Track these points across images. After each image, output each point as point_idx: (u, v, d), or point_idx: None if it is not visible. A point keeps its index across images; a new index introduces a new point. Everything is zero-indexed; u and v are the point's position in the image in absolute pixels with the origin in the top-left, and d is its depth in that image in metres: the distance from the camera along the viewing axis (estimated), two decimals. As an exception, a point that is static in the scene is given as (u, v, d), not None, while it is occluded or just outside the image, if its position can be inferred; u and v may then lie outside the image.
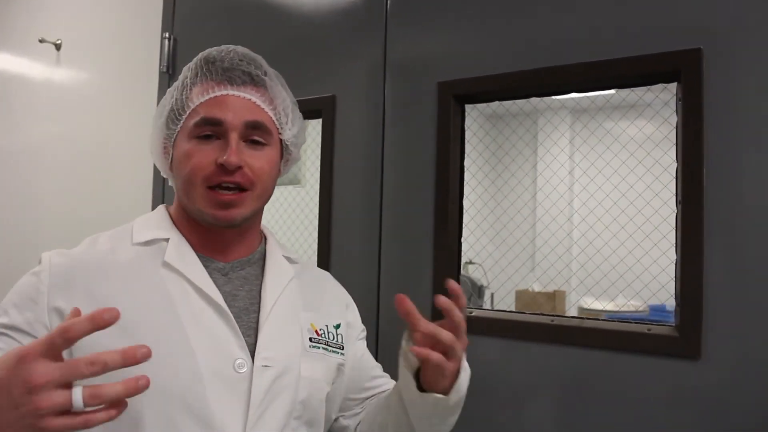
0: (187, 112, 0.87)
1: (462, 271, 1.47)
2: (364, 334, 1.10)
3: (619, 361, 1.19)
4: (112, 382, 0.61)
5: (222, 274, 0.91)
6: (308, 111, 1.63)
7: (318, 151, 1.62)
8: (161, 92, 1.83)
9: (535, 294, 2.96)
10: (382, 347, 1.46)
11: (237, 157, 0.84)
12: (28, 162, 2.42)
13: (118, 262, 0.86)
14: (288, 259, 1.01)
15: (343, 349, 0.99)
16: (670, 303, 1.21)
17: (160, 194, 1.80)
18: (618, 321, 1.25)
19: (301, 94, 1.62)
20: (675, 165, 1.19)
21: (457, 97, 1.40)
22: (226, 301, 0.86)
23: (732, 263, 1.10)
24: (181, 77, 0.91)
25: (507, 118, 1.67)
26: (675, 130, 1.19)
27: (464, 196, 1.43)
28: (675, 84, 1.19)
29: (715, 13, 1.13)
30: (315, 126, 1.69)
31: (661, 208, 1.41)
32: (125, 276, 0.85)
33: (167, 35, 1.85)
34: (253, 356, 0.85)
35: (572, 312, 2.83)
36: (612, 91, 1.40)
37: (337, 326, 1.00)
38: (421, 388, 0.85)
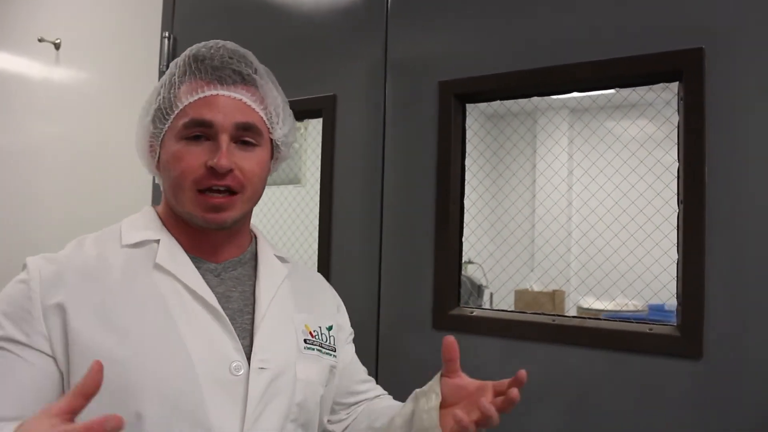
0: (175, 112, 0.84)
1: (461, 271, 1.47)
2: (352, 336, 1.08)
3: (620, 361, 1.19)
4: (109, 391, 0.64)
5: (214, 275, 0.89)
6: (309, 110, 1.63)
7: (318, 151, 1.61)
8: (161, 92, 1.83)
9: (536, 294, 2.96)
10: (383, 346, 1.46)
11: (228, 161, 0.82)
12: (27, 162, 2.42)
13: (108, 265, 0.84)
14: (279, 258, 0.99)
15: (335, 351, 0.97)
16: (669, 303, 1.21)
17: (160, 194, 1.79)
18: (619, 321, 1.25)
19: (301, 93, 1.63)
20: (676, 164, 1.18)
21: (458, 96, 1.40)
22: (219, 303, 0.85)
23: (733, 263, 1.10)
24: (167, 74, 0.88)
25: (508, 118, 1.67)
26: (676, 130, 1.19)
27: (465, 196, 1.43)
28: (676, 83, 1.19)
29: (717, 13, 1.13)
30: (315, 125, 1.69)
31: (662, 208, 1.41)
32: (117, 279, 0.83)
33: (167, 35, 1.84)
34: (248, 358, 0.84)
35: (571, 312, 2.83)
36: (612, 91, 1.40)
37: (330, 328, 0.99)
38: None
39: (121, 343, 0.77)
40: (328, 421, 1.02)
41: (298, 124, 1.87)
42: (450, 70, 1.40)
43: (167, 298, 0.83)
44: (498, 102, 1.44)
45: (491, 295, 2.76)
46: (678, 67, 1.16)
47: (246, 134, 0.85)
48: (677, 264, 1.17)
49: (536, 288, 3.15)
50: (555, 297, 3.11)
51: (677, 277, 1.17)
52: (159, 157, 0.89)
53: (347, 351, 1.05)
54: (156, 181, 0.95)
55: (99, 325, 0.78)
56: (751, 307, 1.08)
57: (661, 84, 1.23)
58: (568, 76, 1.26)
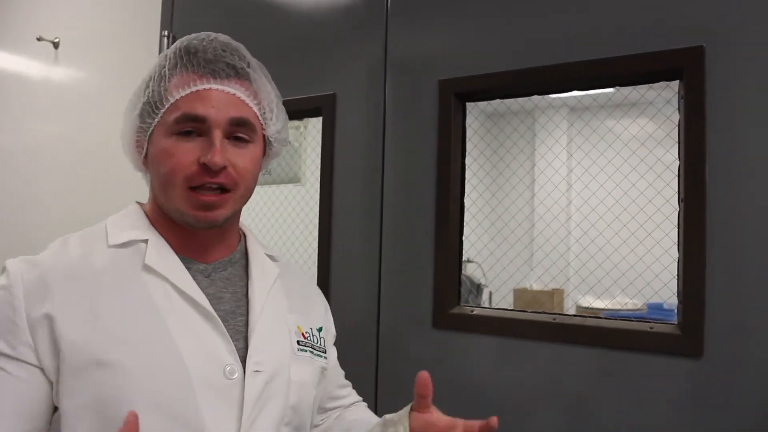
0: (166, 106, 0.81)
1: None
2: (335, 339, 1.06)
3: (621, 359, 1.19)
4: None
5: (204, 275, 0.86)
6: (308, 109, 1.63)
7: (318, 150, 1.61)
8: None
9: (535, 292, 2.95)
10: (383, 344, 1.46)
11: (222, 157, 0.79)
12: (26, 162, 2.41)
13: (95, 266, 0.80)
14: (270, 257, 0.97)
15: (325, 353, 0.96)
16: (668, 301, 1.21)
17: (160, 193, 1.79)
18: (620, 319, 1.25)
19: (301, 92, 1.63)
20: (677, 163, 1.18)
21: (458, 95, 1.40)
22: (210, 305, 0.82)
23: (734, 261, 1.10)
24: (157, 66, 0.84)
25: (508, 116, 1.67)
26: (677, 128, 1.19)
27: (465, 195, 1.43)
28: (677, 82, 1.19)
29: (718, 11, 1.13)
30: (315, 124, 1.68)
31: (663, 206, 1.41)
32: (105, 282, 0.79)
33: (166, 33, 1.84)
34: (243, 361, 0.82)
35: (570, 311, 2.83)
36: (613, 89, 1.40)
37: (320, 329, 0.97)
38: None
39: (113, 350, 0.75)
40: None
41: (298, 122, 1.87)
42: (450, 68, 1.40)
43: (157, 300, 0.80)
44: (498, 100, 1.44)
45: (490, 294, 2.76)
46: (678, 65, 1.16)
47: (239, 130, 0.82)
48: (678, 262, 1.17)
49: (535, 287, 3.14)
50: (554, 296, 3.10)
51: (678, 275, 1.17)
52: (147, 153, 0.85)
53: (332, 353, 1.03)
54: (141, 179, 0.93)
55: (89, 332, 0.75)
56: (752, 306, 1.08)
57: (662, 82, 1.23)
58: (568, 75, 1.26)
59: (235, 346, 0.82)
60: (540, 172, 2.99)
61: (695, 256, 1.12)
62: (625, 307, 2.45)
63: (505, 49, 1.34)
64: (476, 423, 0.80)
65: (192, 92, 0.80)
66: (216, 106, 0.80)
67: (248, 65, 0.85)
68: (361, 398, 1.09)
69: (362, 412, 1.05)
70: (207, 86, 0.81)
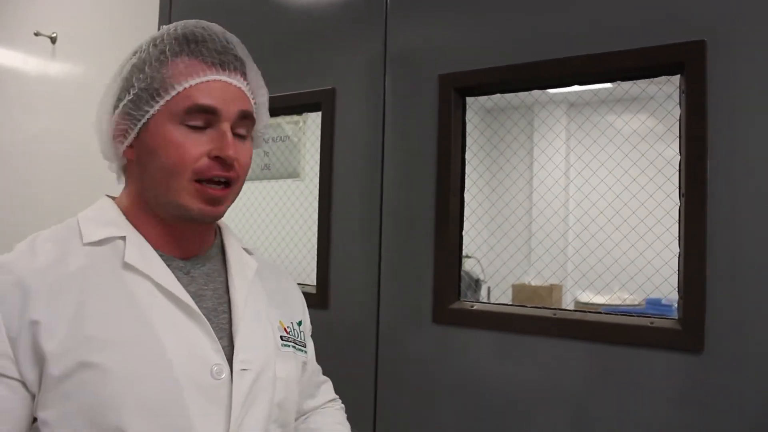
0: (172, 94, 0.78)
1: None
2: (311, 332, 1.03)
3: (621, 354, 1.19)
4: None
5: (184, 272, 0.83)
6: (308, 104, 1.62)
7: (317, 144, 1.61)
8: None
9: (535, 288, 2.96)
10: (382, 339, 1.46)
11: (235, 151, 0.78)
12: (23, 157, 2.40)
13: (72, 267, 0.76)
14: (246, 250, 0.94)
15: (305, 347, 0.95)
16: (668, 296, 1.20)
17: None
18: (620, 315, 1.25)
19: (300, 86, 1.62)
20: (677, 158, 1.18)
21: (459, 89, 1.39)
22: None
23: (735, 256, 1.10)
24: (153, 51, 0.80)
25: (508, 111, 1.66)
26: (678, 123, 1.18)
27: (465, 190, 1.43)
28: (678, 76, 1.19)
29: (719, 6, 1.13)
30: (315, 119, 1.68)
31: (663, 201, 1.41)
32: (85, 283, 0.75)
33: (164, 28, 1.83)
34: (229, 360, 0.79)
35: (569, 306, 2.83)
36: (609, 85, 1.40)
37: (299, 323, 0.96)
38: None
39: (97, 354, 0.72)
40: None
41: (297, 117, 1.86)
42: (450, 63, 1.40)
43: (140, 299, 0.77)
44: (498, 95, 1.44)
45: (489, 289, 2.76)
46: (680, 60, 1.15)
47: (243, 124, 0.81)
48: (678, 257, 1.17)
49: (534, 282, 3.15)
50: (552, 291, 3.11)
51: (678, 270, 1.17)
52: (134, 143, 0.81)
53: (310, 347, 1.01)
54: (112, 171, 0.89)
55: (73, 336, 0.72)
56: (753, 301, 1.08)
57: (663, 77, 1.23)
58: (569, 69, 1.26)
59: (220, 344, 0.80)
60: (540, 167, 2.99)
61: (696, 251, 1.12)
62: (623, 303, 2.46)
63: (506, 44, 1.34)
64: None
65: (203, 82, 0.78)
66: (225, 98, 0.79)
67: (247, 59, 0.84)
68: (336, 396, 1.08)
69: (327, 425, 1.02)
70: (217, 77, 0.79)
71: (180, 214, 0.81)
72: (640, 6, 1.20)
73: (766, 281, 1.08)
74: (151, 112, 0.79)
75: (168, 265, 0.81)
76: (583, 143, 1.73)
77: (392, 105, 1.48)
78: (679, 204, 1.18)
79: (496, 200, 1.81)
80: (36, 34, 2.30)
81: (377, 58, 1.50)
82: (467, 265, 2.55)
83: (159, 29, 0.85)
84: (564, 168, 3.25)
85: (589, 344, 1.22)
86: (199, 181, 0.78)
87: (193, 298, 0.80)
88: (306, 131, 1.86)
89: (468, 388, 1.33)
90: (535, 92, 1.39)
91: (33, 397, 0.72)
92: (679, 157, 1.18)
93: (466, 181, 1.44)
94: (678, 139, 1.18)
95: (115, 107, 0.82)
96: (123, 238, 0.80)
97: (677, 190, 1.18)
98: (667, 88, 1.28)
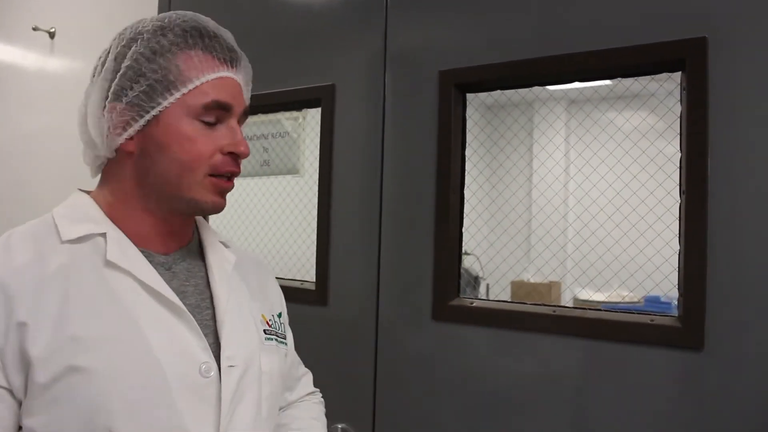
0: (189, 87, 0.77)
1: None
2: (287, 321, 1.02)
3: (621, 352, 1.18)
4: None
5: (165, 268, 0.82)
6: (307, 100, 1.62)
7: (317, 141, 1.60)
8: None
9: (534, 285, 2.96)
10: (381, 336, 1.46)
11: (247, 147, 0.81)
12: (21, 153, 2.40)
13: (51, 266, 0.74)
14: (222, 244, 0.93)
15: (285, 338, 0.95)
16: (667, 294, 1.20)
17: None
18: (620, 312, 1.25)
19: (300, 82, 1.62)
20: (678, 155, 1.18)
21: (459, 86, 1.39)
22: None
23: (736, 253, 1.09)
24: (162, 42, 0.78)
25: (508, 108, 1.66)
26: (679, 120, 1.18)
27: (465, 186, 1.43)
28: (679, 73, 1.19)
29: (721, 2, 1.12)
30: (314, 115, 1.67)
31: (664, 198, 1.41)
32: (65, 282, 0.73)
33: (163, 23, 1.82)
34: (216, 356, 0.79)
35: (567, 303, 2.84)
36: (610, 81, 1.39)
37: (279, 315, 0.96)
38: None
39: (84, 356, 0.70)
40: None
41: (296, 113, 1.86)
42: (450, 59, 1.39)
43: (123, 298, 0.75)
44: (498, 92, 1.43)
45: (488, 286, 2.76)
46: (681, 56, 1.15)
47: (242, 119, 0.84)
48: (679, 255, 1.17)
49: (533, 279, 3.15)
50: (551, 288, 3.11)
51: (679, 267, 1.17)
52: (135, 135, 0.79)
53: (289, 338, 1.00)
54: (94, 164, 0.86)
55: (56, 339, 0.70)
56: (753, 298, 1.08)
57: (664, 74, 1.22)
58: (569, 66, 1.25)
59: (207, 341, 0.79)
60: (540, 164, 2.99)
61: (696, 248, 1.12)
62: (622, 300, 2.46)
63: (506, 40, 1.33)
64: None
65: (217, 78, 0.79)
66: (234, 95, 0.81)
67: (242, 54, 0.86)
68: (316, 389, 1.07)
69: (305, 420, 1.01)
70: (229, 74, 0.81)
71: (186, 208, 0.81)
72: (640, 2, 1.19)
73: (766, 278, 1.07)
74: (165, 104, 0.77)
75: (150, 261, 0.80)
76: (584, 140, 1.73)
77: (392, 101, 1.48)
78: (679, 201, 1.17)
79: (495, 197, 1.81)
80: (34, 29, 2.29)
81: (377, 54, 1.50)
82: (466, 262, 2.55)
83: (151, 16, 0.83)
84: (564, 165, 3.25)
85: (588, 341, 1.22)
86: (212, 175, 0.80)
87: (177, 295, 0.79)
88: (305, 127, 1.86)
89: (467, 385, 1.33)
90: (536, 89, 1.38)
91: (20, 404, 0.71)
92: (679, 154, 1.17)
93: (469, 178, 1.44)
94: (679, 136, 1.18)
95: (116, 96, 0.78)
96: (103, 234, 0.79)
97: (678, 187, 1.18)
98: (668, 85, 1.28)
